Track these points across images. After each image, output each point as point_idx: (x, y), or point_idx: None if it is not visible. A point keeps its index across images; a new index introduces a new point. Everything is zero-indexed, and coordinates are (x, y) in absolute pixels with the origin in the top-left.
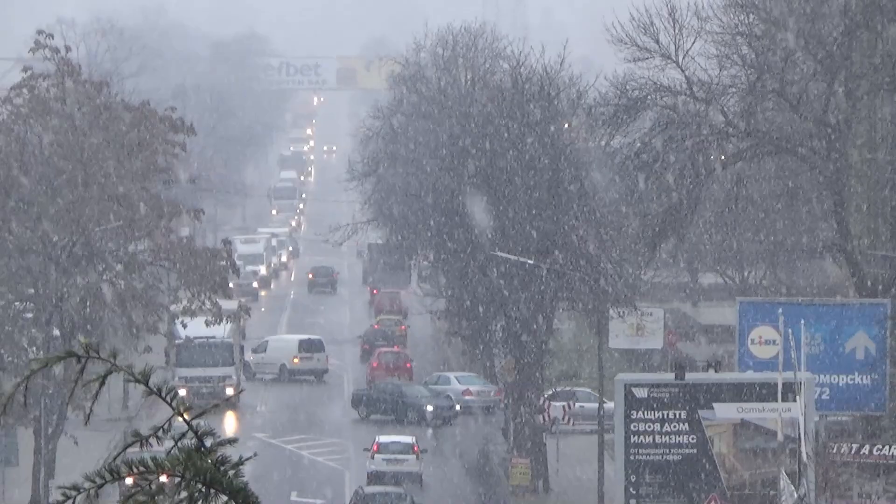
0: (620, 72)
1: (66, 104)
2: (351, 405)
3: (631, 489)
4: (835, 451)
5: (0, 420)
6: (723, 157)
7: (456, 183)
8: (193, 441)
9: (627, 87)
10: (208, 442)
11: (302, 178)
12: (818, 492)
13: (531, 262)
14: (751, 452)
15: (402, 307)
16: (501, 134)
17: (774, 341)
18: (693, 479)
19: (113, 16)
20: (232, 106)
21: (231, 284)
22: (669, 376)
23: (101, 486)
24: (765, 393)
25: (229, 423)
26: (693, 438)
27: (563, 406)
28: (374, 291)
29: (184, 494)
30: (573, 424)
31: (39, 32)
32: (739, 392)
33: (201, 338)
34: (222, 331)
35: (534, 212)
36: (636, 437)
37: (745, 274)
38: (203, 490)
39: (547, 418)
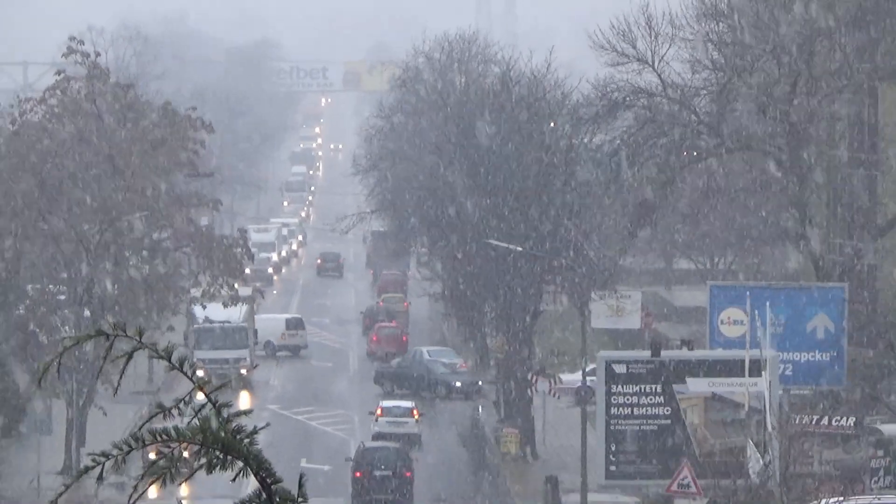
0: (602, 75)
1: (95, 105)
2: (374, 382)
3: (611, 456)
4: (797, 421)
5: (36, 392)
6: (695, 154)
7: (451, 176)
8: (211, 412)
9: (608, 89)
10: (225, 413)
11: (311, 172)
12: (782, 459)
13: (520, 249)
14: (720, 423)
15: (404, 287)
16: (492, 132)
17: (742, 322)
18: (667, 447)
19: (139, 24)
20: (246, 106)
21: (248, 270)
22: (646, 354)
23: (128, 453)
24: (733, 369)
25: (244, 398)
26: (668, 410)
27: (550, 381)
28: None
29: (203, 461)
30: (558, 398)
31: (71, 39)
32: (710, 368)
33: (218, 322)
34: (237, 315)
35: (522, 203)
36: (616, 408)
37: (715, 260)
38: (220, 456)
39: (535, 392)
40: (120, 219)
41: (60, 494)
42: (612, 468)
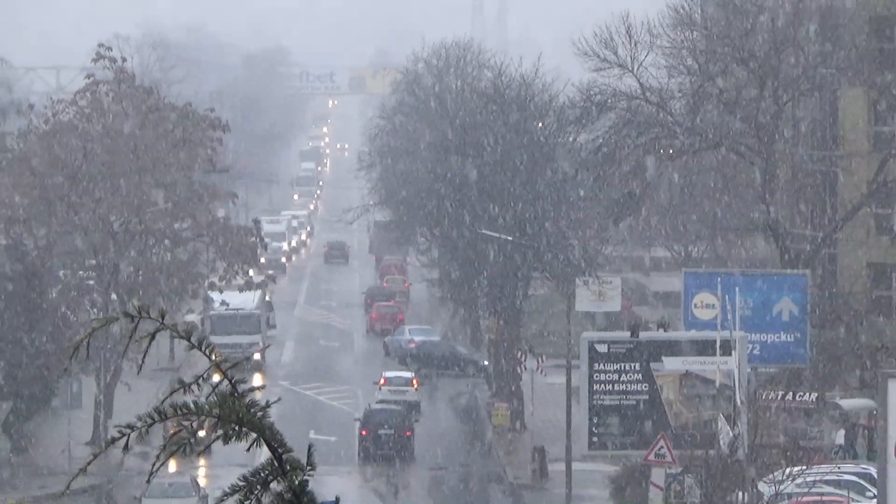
0: (585, 80)
1: (121, 106)
2: (400, 362)
3: (594, 429)
4: (764, 397)
5: (67, 369)
6: (671, 151)
7: (447, 172)
8: (227, 388)
9: (591, 92)
10: (240, 389)
11: (319, 168)
12: (749, 431)
13: (510, 238)
14: (694, 398)
15: (404, 270)
16: (485, 131)
17: (713, 305)
18: (645, 420)
19: (161, 32)
20: (260, 108)
21: (262, 259)
22: (626, 335)
23: (151, 425)
24: (705, 348)
25: (257, 375)
26: (645, 387)
27: (538, 359)
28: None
29: (220, 432)
30: (544, 374)
31: (100, 46)
32: (684, 348)
33: (232, 309)
34: (251, 303)
35: (513, 196)
36: (598, 385)
37: (689, 249)
38: (236, 429)
39: (523, 369)
40: (144, 211)
41: (89, 463)
42: (595, 439)
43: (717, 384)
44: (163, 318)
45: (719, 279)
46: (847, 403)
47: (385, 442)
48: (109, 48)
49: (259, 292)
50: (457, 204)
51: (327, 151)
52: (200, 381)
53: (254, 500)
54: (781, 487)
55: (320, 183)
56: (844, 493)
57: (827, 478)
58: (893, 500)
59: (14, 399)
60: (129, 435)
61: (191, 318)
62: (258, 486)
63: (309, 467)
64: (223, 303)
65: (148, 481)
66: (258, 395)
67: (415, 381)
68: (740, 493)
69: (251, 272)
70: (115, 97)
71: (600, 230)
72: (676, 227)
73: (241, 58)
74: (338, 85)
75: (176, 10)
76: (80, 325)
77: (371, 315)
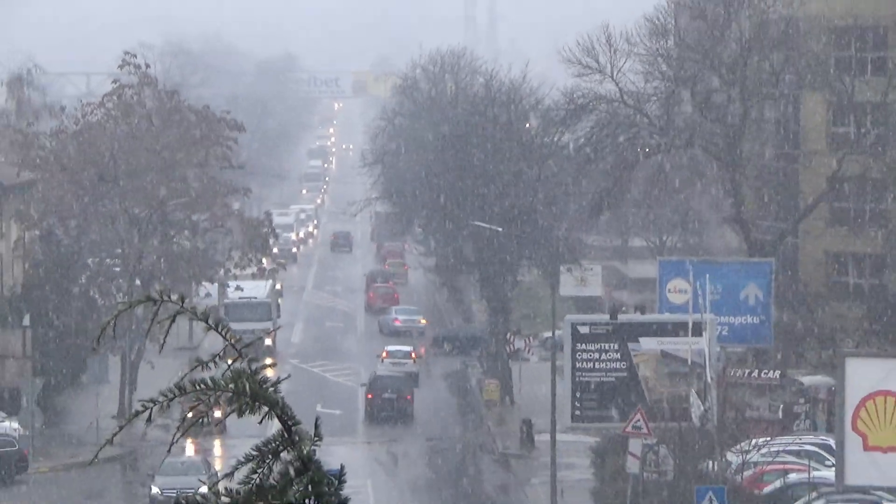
0: (569, 84)
1: (145, 108)
2: (433, 344)
3: (576, 403)
4: (732, 374)
5: (95, 348)
6: (647, 150)
7: (442, 168)
8: (242, 365)
9: (574, 96)
10: (253, 366)
11: (326, 165)
12: (719, 405)
13: (500, 229)
14: (668, 376)
15: (403, 255)
16: (477, 131)
17: (686, 291)
18: (624, 396)
19: (182, 40)
20: (272, 110)
21: (276, 250)
22: (606, 317)
23: (171, 399)
24: (678, 330)
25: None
26: (624, 365)
27: (525, 339)
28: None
29: (235, 406)
30: (531, 354)
31: (126, 53)
32: (659, 329)
33: (246, 298)
34: (262, 292)
35: (503, 190)
36: (580, 363)
37: (664, 239)
38: (249, 403)
39: (512, 349)
40: (166, 203)
41: (116, 433)
42: (578, 413)
43: (689, 362)
44: (182, 302)
45: (691, 267)
46: (808, 380)
47: (388, 404)
48: (134, 55)
49: (270, 282)
50: (451, 197)
51: (333, 150)
52: (217, 359)
53: (266, 468)
54: (748, 457)
55: (326, 179)
56: (805, 461)
57: (790, 448)
58: (850, 468)
59: (47, 375)
60: (152, 408)
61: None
62: (269, 456)
63: (316, 438)
64: (238, 287)
65: (168, 450)
66: (270, 373)
67: (413, 354)
68: (710, 462)
69: (264, 260)
70: (139, 100)
71: (582, 222)
72: (652, 219)
73: (255, 64)
74: (342, 89)
75: (195, 21)
76: (107, 309)
77: (368, 294)
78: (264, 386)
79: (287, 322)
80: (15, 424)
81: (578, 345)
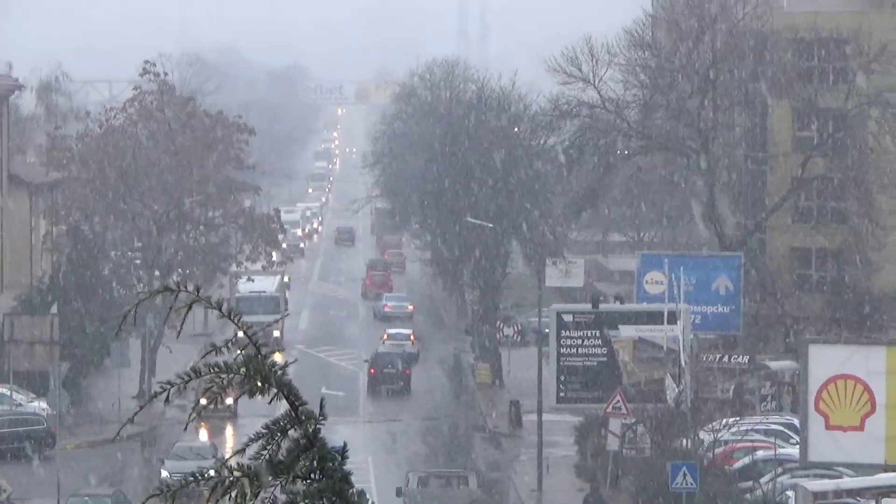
0: (554, 92)
1: (164, 113)
2: (465, 333)
3: (561, 385)
4: (704, 359)
5: (117, 334)
6: (626, 152)
7: (438, 168)
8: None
9: (559, 102)
10: (263, 350)
11: (330, 166)
12: (692, 388)
13: (491, 225)
14: (645, 360)
15: (401, 246)
16: (470, 135)
17: (662, 282)
18: (604, 379)
19: (198, 50)
20: (281, 115)
21: (284, 245)
22: (588, 306)
23: (188, 381)
24: (655, 318)
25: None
26: (604, 350)
27: (514, 326)
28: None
29: (246, 388)
30: (519, 339)
31: (146, 62)
32: (637, 318)
33: (256, 292)
34: (271, 286)
35: (493, 189)
36: (565, 349)
37: (642, 234)
38: (259, 385)
39: (502, 335)
40: (182, 201)
41: (136, 413)
42: (562, 394)
43: (665, 348)
44: (198, 292)
45: (667, 260)
46: (774, 365)
47: (388, 378)
48: (154, 64)
49: (279, 276)
50: (446, 195)
51: (337, 152)
52: (230, 344)
53: (275, 445)
54: (719, 435)
55: (331, 178)
56: (772, 439)
57: (757, 427)
58: (813, 445)
59: (73, 359)
60: (170, 390)
61: (221, 292)
62: (278, 434)
63: (321, 418)
64: (249, 279)
65: (185, 428)
66: (278, 357)
67: (412, 336)
68: (684, 440)
69: (274, 255)
70: (158, 106)
71: (566, 218)
72: (630, 216)
73: (265, 73)
74: (346, 96)
75: (210, 32)
76: (128, 298)
77: (365, 281)
78: (273, 369)
79: (294, 311)
80: (44, 404)
81: (563, 332)
